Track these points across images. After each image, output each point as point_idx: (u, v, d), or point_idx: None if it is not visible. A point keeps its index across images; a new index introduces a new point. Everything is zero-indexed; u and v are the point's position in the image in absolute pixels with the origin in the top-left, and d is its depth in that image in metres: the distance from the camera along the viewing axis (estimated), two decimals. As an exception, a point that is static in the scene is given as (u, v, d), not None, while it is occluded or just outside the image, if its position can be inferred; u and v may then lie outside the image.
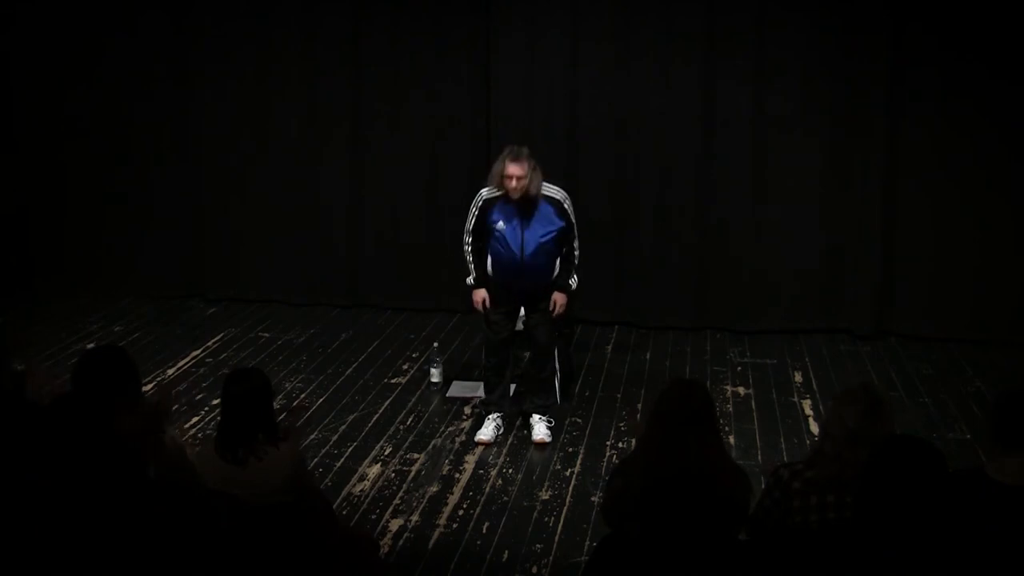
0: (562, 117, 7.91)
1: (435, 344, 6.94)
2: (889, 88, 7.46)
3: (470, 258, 5.93)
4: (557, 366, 6.26)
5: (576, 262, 5.94)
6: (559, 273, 5.94)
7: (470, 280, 5.97)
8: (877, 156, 7.59)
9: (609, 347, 7.59)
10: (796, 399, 6.57)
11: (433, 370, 6.74)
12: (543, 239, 5.74)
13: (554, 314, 5.94)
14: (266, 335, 7.83)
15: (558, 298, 5.91)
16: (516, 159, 5.66)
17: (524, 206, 5.72)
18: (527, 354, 7.30)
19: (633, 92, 7.79)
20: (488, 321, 5.96)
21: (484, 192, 5.83)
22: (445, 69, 8.10)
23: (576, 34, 7.81)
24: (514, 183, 5.64)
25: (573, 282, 5.97)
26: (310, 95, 8.33)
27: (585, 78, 7.84)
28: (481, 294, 5.94)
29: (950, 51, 7.32)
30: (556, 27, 7.83)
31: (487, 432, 5.94)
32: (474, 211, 5.87)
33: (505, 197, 5.73)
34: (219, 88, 8.39)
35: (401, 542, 4.81)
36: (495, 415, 6.02)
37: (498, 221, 5.76)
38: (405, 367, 7.15)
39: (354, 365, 7.18)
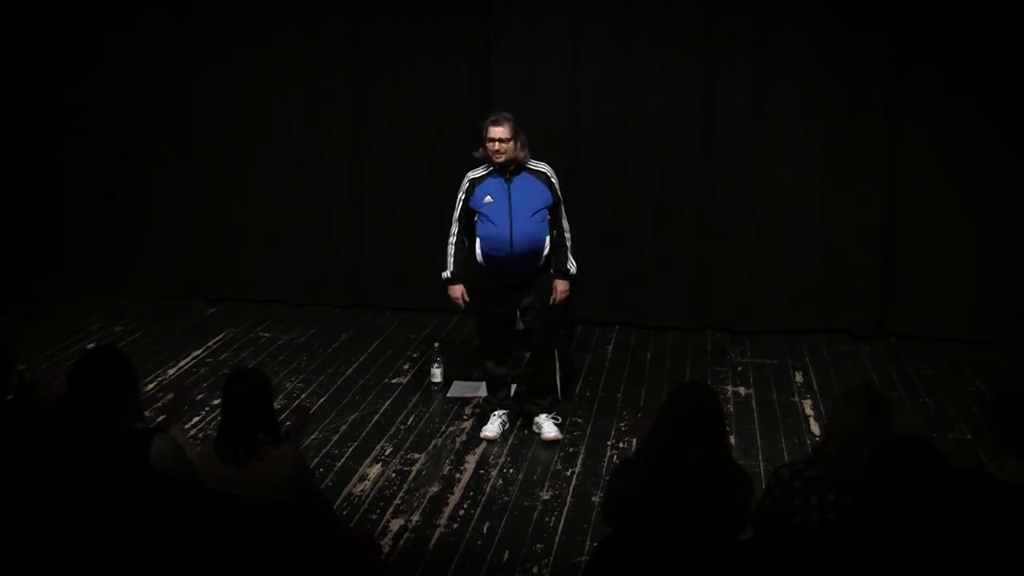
0: (562, 117, 7.91)
1: (436, 344, 6.94)
2: (889, 88, 7.46)
3: (451, 249, 5.80)
4: (557, 365, 6.18)
5: (569, 244, 5.80)
6: (556, 258, 5.77)
7: (446, 274, 5.85)
8: (877, 156, 7.59)
9: (609, 347, 7.59)
10: (796, 399, 6.57)
11: (434, 370, 6.74)
12: (533, 215, 5.63)
13: (556, 301, 5.79)
14: (266, 335, 7.83)
15: (559, 284, 5.75)
16: (496, 122, 5.61)
17: (512, 181, 5.64)
18: (528, 354, 7.32)
19: (633, 92, 7.78)
20: (482, 317, 5.86)
21: (470, 173, 5.75)
22: (445, 69, 8.10)
23: (576, 34, 7.81)
24: (496, 146, 5.58)
25: (572, 266, 5.81)
26: (310, 95, 8.32)
27: (585, 78, 7.84)
28: (458, 290, 5.83)
29: (950, 51, 7.32)
30: (556, 27, 7.82)
31: (492, 428, 5.92)
32: (460, 195, 5.76)
33: (492, 173, 5.66)
34: (219, 88, 8.39)
35: (402, 542, 4.81)
36: (500, 412, 6.00)
37: (484, 197, 5.65)
38: (406, 367, 7.15)
39: (354, 365, 7.18)
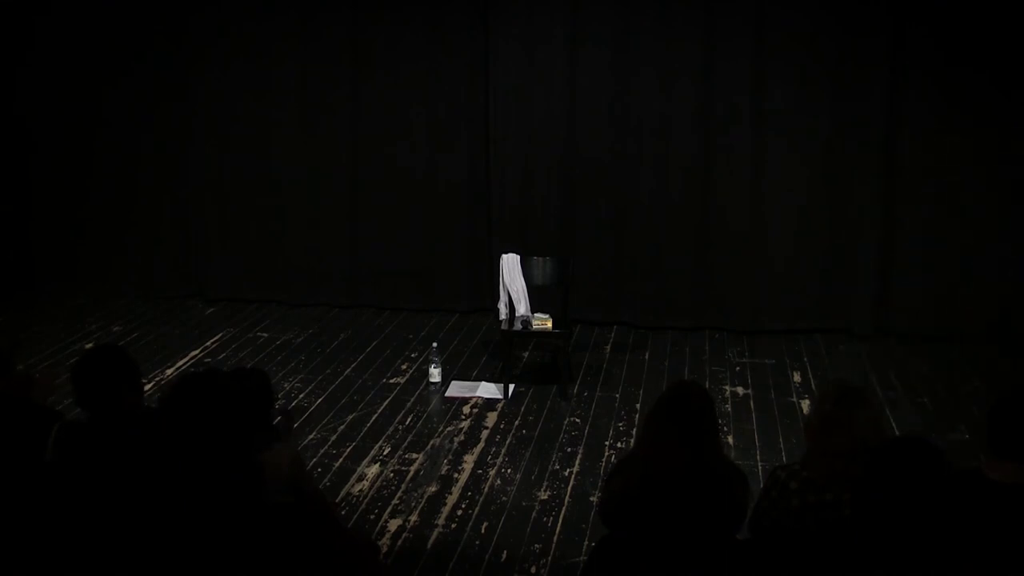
0: (562, 118, 7.90)
1: (434, 344, 6.93)
2: (889, 89, 7.46)
3: None
4: None
5: None
6: None
7: None
8: (877, 156, 7.59)
9: (608, 347, 7.59)
10: (795, 399, 6.57)
11: (432, 370, 6.74)
12: None
13: None
14: (264, 335, 7.83)
15: None
16: None
17: None
18: (525, 354, 7.34)
19: (632, 92, 7.78)
20: None
21: None
22: (445, 69, 8.10)
23: (575, 35, 7.80)
24: None
25: None
26: (310, 96, 8.32)
27: (584, 79, 7.84)
28: None
29: (950, 52, 7.32)
30: (555, 29, 7.82)
31: None
32: None
33: None
34: (218, 88, 8.39)
35: (400, 542, 4.81)
36: None
37: None
38: (404, 367, 7.15)
39: (353, 365, 7.18)
